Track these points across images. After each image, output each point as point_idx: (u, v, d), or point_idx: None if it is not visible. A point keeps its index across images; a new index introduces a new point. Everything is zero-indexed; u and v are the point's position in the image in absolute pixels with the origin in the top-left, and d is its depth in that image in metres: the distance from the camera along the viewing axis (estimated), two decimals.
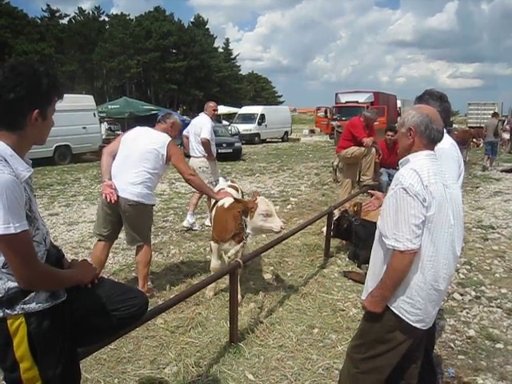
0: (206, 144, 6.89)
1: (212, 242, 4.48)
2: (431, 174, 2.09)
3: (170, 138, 4.38)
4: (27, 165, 1.76)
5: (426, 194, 2.04)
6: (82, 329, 1.99)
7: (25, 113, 1.72)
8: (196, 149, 7.05)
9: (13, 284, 1.70)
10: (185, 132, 7.36)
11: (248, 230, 4.06)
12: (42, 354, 1.77)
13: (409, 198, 2.03)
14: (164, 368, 3.34)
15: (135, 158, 4.19)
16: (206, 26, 73.38)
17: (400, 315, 2.17)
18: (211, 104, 7.30)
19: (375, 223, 5.99)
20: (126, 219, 4.24)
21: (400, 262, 2.08)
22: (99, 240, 4.40)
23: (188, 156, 6.76)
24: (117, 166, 4.25)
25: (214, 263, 4.47)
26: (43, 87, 1.74)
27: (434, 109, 2.31)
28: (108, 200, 4.07)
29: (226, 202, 4.38)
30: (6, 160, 1.64)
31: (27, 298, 1.73)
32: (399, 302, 2.17)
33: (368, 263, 5.96)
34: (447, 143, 2.67)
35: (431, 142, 2.19)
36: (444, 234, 2.11)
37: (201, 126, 6.96)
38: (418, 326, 2.19)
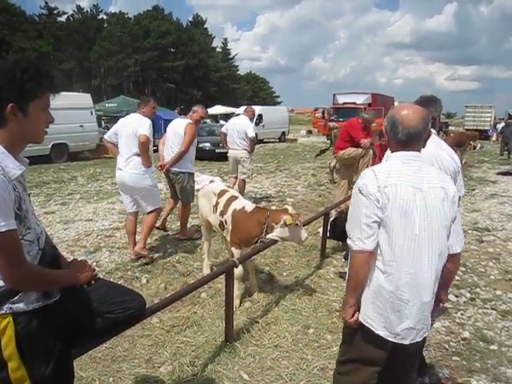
0: (251, 140, 8.49)
1: (233, 248, 4.37)
2: (394, 175, 2.01)
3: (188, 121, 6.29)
4: (19, 163, 1.74)
5: (380, 195, 1.98)
6: (76, 330, 1.98)
7: (1, 107, 1.69)
8: (238, 143, 8.48)
9: (0, 283, 1.68)
10: (223, 129, 8.98)
11: (274, 236, 4.12)
12: (31, 353, 1.75)
13: (362, 197, 2.02)
14: (159, 367, 3.34)
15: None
16: (205, 26, 73.47)
17: (363, 322, 2.13)
18: (249, 109, 9.04)
19: None
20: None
21: (354, 262, 2.09)
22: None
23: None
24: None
25: (241, 270, 4.31)
26: (16, 81, 1.69)
27: (416, 109, 2.12)
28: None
29: (246, 205, 4.42)
30: None
31: (15, 297, 1.71)
32: (364, 307, 2.14)
33: None
34: (430, 147, 2.65)
35: (400, 143, 2.08)
36: (406, 239, 2.00)
37: (245, 126, 8.46)
38: (380, 333, 2.09)
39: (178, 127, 6.30)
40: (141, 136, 5.18)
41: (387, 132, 2.14)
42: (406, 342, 2.09)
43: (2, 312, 1.70)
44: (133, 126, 5.31)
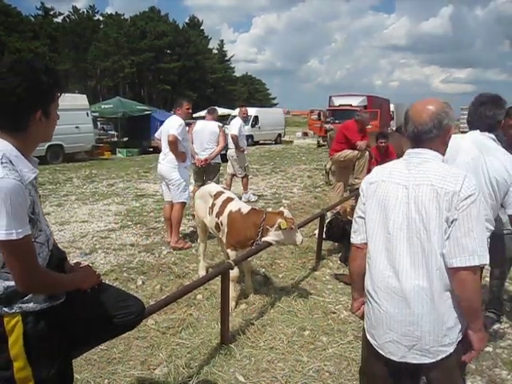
0: (232, 138, 9.26)
1: (229, 250, 4.40)
2: (386, 172, 1.99)
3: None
4: (32, 166, 1.74)
5: (366, 190, 2.03)
6: (77, 333, 1.98)
7: (28, 114, 1.69)
8: (228, 143, 9.26)
9: (11, 283, 1.68)
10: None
11: (269, 239, 4.14)
12: (37, 354, 1.75)
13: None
14: (155, 369, 3.33)
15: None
16: (201, 27, 73.58)
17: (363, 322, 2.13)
18: (243, 109, 10.02)
19: None
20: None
21: (349, 254, 2.20)
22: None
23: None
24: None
25: (237, 272, 4.31)
26: (44, 86, 1.70)
27: (428, 105, 1.93)
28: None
29: (242, 207, 4.43)
30: (11, 162, 1.61)
31: (26, 297, 1.72)
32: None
33: None
34: (473, 151, 2.65)
35: (409, 139, 1.99)
36: (382, 237, 1.93)
37: (232, 125, 9.50)
38: (369, 337, 2.03)
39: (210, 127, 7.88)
40: (169, 135, 5.92)
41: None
42: (395, 359, 1.91)
43: (13, 311, 1.70)
44: (168, 126, 6.13)
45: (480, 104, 2.90)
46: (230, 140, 9.38)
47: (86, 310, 1.97)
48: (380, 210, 1.93)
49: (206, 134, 7.74)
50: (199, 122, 8.32)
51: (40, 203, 1.83)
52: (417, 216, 1.82)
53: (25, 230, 1.61)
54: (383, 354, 1.95)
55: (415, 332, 1.85)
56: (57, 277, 1.83)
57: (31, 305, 1.73)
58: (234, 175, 9.74)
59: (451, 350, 1.85)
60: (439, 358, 1.85)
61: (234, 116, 11.37)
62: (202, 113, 34.70)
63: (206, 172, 7.83)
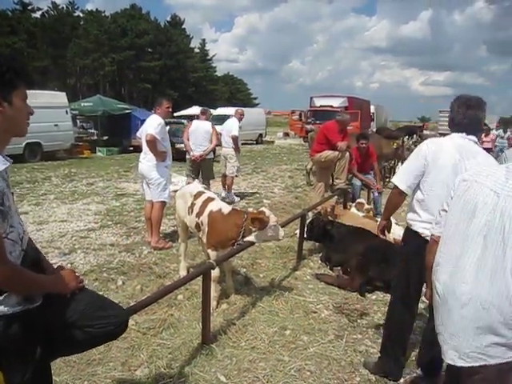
0: (234, 139, 9.53)
1: (210, 250, 4.39)
2: (477, 172, 2.05)
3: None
4: (3, 157, 1.71)
5: (455, 186, 2.08)
6: (55, 339, 1.93)
7: None
8: (226, 142, 9.69)
9: None
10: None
11: (252, 239, 4.14)
12: (9, 358, 1.70)
13: None
14: (135, 370, 3.31)
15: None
16: (183, 26, 73.13)
17: None
18: (239, 111, 10.17)
19: (348, 226, 6.06)
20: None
21: None
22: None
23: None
24: None
25: (218, 272, 4.30)
26: None
27: None
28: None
29: (223, 207, 4.41)
30: None
31: None
32: None
33: (340, 266, 6.00)
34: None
35: None
36: (455, 237, 1.99)
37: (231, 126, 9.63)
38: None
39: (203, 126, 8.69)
40: (147, 135, 5.93)
41: None
42: (445, 359, 1.95)
43: None
44: (147, 125, 6.13)
45: (468, 107, 2.91)
46: (226, 139, 9.62)
47: (64, 317, 1.90)
48: (465, 209, 1.91)
49: (200, 133, 8.63)
50: (194, 122, 9.17)
51: (13, 199, 1.79)
52: (498, 226, 1.77)
53: None
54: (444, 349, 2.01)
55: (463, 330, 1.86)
56: (33, 276, 1.77)
57: (2, 308, 1.68)
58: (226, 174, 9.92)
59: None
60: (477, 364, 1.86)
61: (226, 116, 11.36)
62: (185, 112, 34.65)
63: (201, 167, 8.76)
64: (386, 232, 3.62)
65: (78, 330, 1.94)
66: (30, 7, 58.47)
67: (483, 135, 15.26)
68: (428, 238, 2.48)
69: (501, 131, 18.80)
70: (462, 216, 1.91)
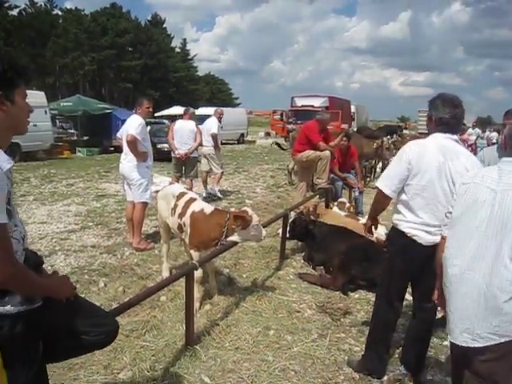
0: (213, 137, 9.71)
1: (193, 251, 4.37)
2: (474, 175, 2.33)
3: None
4: (7, 156, 1.70)
5: (457, 189, 2.37)
6: (50, 343, 1.91)
7: None
8: (206, 140, 9.74)
9: None
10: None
11: (235, 238, 4.15)
12: (13, 358, 1.69)
13: None
14: (118, 373, 3.27)
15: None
16: (164, 25, 72.64)
17: None
18: (219, 110, 10.46)
19: (330, 225, 6.08)
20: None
21: None
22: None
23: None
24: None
25: (201, 272, 4.27)
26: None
27: None
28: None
29: (205, 207, 4.39)
30: None
31: (2, 300, 1.66)
32: None
33: (322, 265, 6.04)
34: None
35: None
36: (459, 234, 2.25)
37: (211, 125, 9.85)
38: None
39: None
40: (127, 135, 5.89)
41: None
42: (455, 341, 2.21)
43: None
44: (128, 125, 6.09)
45: (455, 106, 2.93)
46: (206, 138, 9.72)
47: (59, 320, 1.91)
48: (467, 208, 2.18)
49: (185, 131, 8.84)
50: (178, 122, 9.42)
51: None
52: (498, 216, 2.05)
53: (2, 217, 1.57)
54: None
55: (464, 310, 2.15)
56: (34, 277, 1.77)
57: (8, 307, 1.68)
58: (208, 172, 10.09)
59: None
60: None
61: (208, 116, 11.32)
62: (166, 112, 34.44)
63: (185, 164, 8.94)
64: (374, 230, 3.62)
65: (73, 335, 1.95)
66: (6, 4, 57.27)
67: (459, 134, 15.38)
68: (414, 238, 2.94)
69: (479, 131, 19.15)
70: (465, 213, 2.18)
